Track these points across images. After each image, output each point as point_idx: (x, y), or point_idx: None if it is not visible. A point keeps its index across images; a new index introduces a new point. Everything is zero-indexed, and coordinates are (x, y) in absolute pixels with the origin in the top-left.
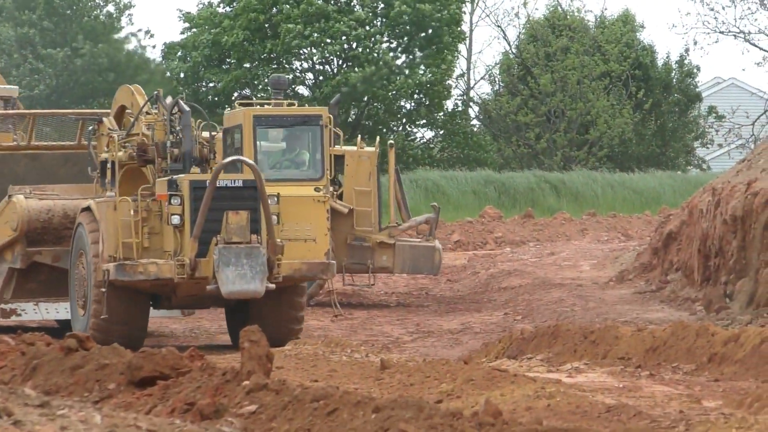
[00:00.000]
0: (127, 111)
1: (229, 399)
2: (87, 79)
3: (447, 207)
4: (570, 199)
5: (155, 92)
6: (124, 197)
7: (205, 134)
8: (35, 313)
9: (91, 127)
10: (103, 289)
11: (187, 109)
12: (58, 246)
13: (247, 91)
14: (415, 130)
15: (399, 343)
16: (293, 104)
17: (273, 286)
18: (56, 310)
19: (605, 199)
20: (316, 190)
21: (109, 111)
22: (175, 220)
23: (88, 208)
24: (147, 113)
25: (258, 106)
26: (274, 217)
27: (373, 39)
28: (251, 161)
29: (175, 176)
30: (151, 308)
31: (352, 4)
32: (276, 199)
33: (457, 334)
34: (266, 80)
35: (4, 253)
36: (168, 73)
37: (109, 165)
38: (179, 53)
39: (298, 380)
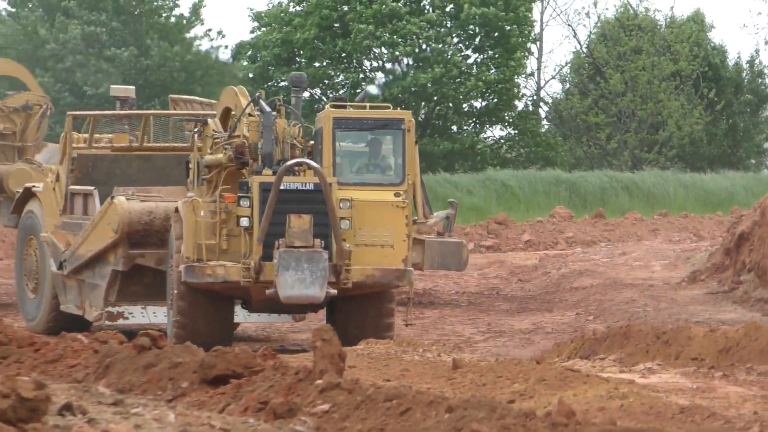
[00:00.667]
0: (231, 113)
1: (302, 398)
2: (156, 78)
3: (518, 207)
4: (641, 199)
5: (257, 94)
6: (199, 198)
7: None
8: (142, 316)
9: (196, 129)
10: (175, 290)
11: (268, 109)
12: (161, 249)
13: (344, 97)
14: (485, 129)
15: (471, 343)
16: (388, 107)
17: (334, 292)
18: (164, 314)
19: (677, 199)
20: (396, 195)
21: (214, 113)
22: (244, 222)
23: (176, 210)
24: (250, 115)
25: (344, 108)
26: (346, 222)
27: (443, 41)
28: (315, 164)
29: (246, 178)
30: (255, 313)
31: (422, 4)
32: (348, 203)
33: (529, 333)
34: (337, 80)
35: (107, 255)
36: (239, 74)
37: (191, 165)
38: (249, 53)
39: (371, 379)
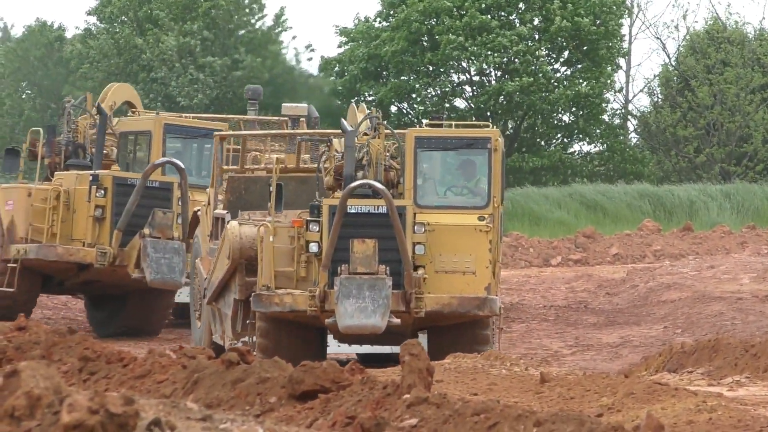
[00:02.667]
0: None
1: (389, 412)
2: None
3: (605, 220)
4: (729, 212)
5: (368, 112)
6: (271, 224)
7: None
8: None
9: (323, 149)
10: (248, 321)
11: (350, 128)
12: None
13: (441, 115)
14: (572, 144)
15: (558, 357)
16: (487, 125)
17: (398, 321)
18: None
19: (765, 212)
20: (480, 218)
21: (339, 131)
22: (314, 247)
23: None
24: (365, 134)
25: (440, 127)
26: (420, 247)
27: (532, 54)
28: (380, 186)
29: (317, 201)
30: (343, 342)
31: (512, 18)
32: (424, 227)
33: (617, 347)
34: (423, 93)
35: (230, 284)
36: (325, 88)
37: (272, 188)
38: (336, 68)
39: (458, 394)
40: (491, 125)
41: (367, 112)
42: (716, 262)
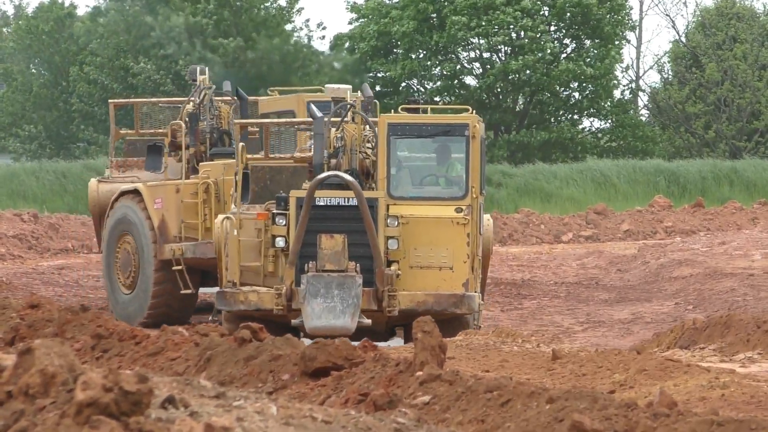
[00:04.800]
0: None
1: (402, 390)
2: (256, 71)
3: (616, 197)
4: (741, 188)
5: (343, 101)
6: (237, 215)
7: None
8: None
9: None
10: (214, 318)
11: (319, 115)
12: None
13: (418, 100)
14: (582, 119)
15: (569, 333)
16: (466, 109)
17: (368, 322)
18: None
19: None
20: (457, 210)
21: (310, 120)
22: (280, 242)
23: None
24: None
25: (417, 112)
26: (394, 242)
27: (539, 29)
28: (349, 177)
29: (283, 193)
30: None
31: None
32: (397, 220)
33: (628, 324)
34: (434, 71)
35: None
36: (336, 64)
37: (237, 177)
38: (347, 44)
39: (470, 370)
40: (471, 110)
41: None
42: (728, 238)
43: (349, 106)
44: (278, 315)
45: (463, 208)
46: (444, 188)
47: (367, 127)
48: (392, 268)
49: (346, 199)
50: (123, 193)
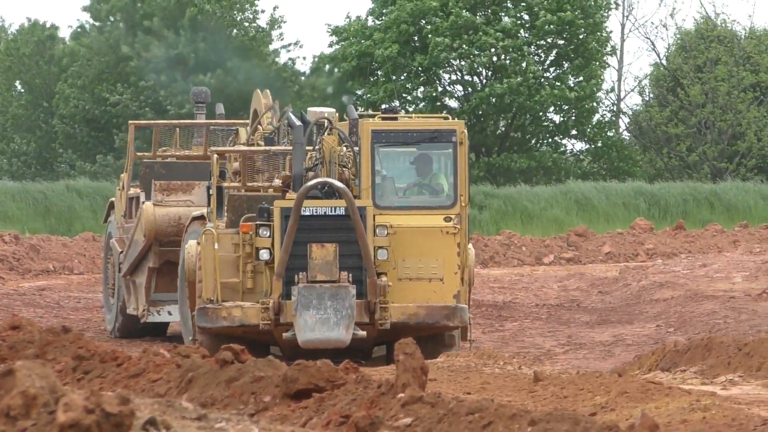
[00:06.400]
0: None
1: (384, 411)
2: (237, 95)
3: (598, 219)
4: (722, 211)
5: (285, 108)
6: (215, 230)
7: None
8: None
9: (229, 140)
10: (191, 338)
11: (298, 123)
12: None
13: (396, 103)
14: (564, 141)
15: (551, 355)
16: (446, 118)
17: (363, 334)
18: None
19: (758, 211)
20: (446, 219)
21: (247, 122)
22: (264, 254)
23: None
24: (269, 124)
25: (395, 120)
26: (384, 252)
27: (519, 51)
28: (340, 184)
29: (266, 204)
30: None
31: (500, 14)
32: (386, 230)
33: (609, 346)
34: (415, 94)
35: (147, 255)
36: (317, 85)
37: (212, 191)
38: (327, 67)
39: (452, 393)
40: (453, 117)
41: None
42: (709, 260)
43: (326, 121)
44: (263, 331)
45: (452, 217)
46: (431, 197)
47: (344, 145)
48: (383, 279)
49: (333, 209)
50: (194, 219)
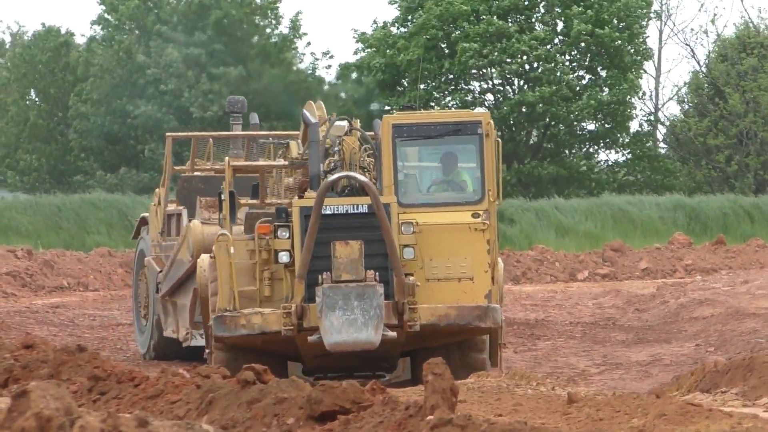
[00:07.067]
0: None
1: None
2: (259, 101)
3: (634, 233)
4: (764, 225)
5: (333, 116)
6: (229, 235)
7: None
8: None
9: (280, 151)
10: (208, 350)
11: (313, 121)
12: None
13: (414, 105)
14: (598, 152)
15: (585, 376)
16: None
17: (393, 335)
18: None
19: None
20: (474, 215)
21: (298, 133)
22: (284, 257)
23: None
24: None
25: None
26: (410, 251)
27: (553, 59)
28: (364, 178)
29: (284, 204)
30: (312, 375)
31: (532, 20)
32: (412, 227)
33: (647, 366)
34: (444, 102)
35: (192, 276)
36: (342, 94)
37: (224, 197)
38: (353, 75)
39: (483, 415)
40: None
41: (324, 110)
42: (750, 276)
43: (347, 122)
44: (284, 338)
45: (480, 213)
46: (457, 193)
47: (366, 147)
48: (410, 279)
49: (356, 206)
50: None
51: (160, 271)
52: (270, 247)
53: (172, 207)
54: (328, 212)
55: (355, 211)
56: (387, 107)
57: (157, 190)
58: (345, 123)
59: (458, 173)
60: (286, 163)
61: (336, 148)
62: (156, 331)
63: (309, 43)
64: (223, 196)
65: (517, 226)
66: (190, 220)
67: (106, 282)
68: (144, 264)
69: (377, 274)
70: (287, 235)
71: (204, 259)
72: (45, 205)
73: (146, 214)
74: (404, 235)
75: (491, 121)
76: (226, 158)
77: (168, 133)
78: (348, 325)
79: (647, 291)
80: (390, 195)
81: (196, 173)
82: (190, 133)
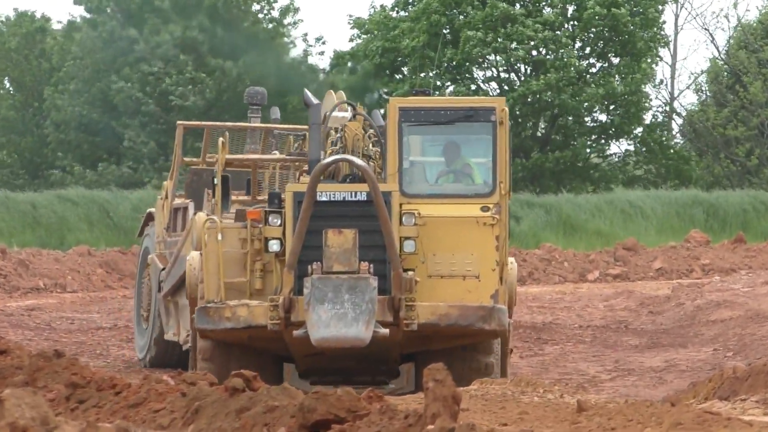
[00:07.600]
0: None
1: None
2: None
3: (648, 230)
4: None
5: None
6: (219, 221)
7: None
8: None
9: (296, 145)
10: (188, 345)
11: (315, 102)
12: None
13: (427, 90)
14: (609, 144)
15: (596, 382)
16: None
17: (386, 332)
18: None
19: None
20: (483, 209)
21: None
22: (274, 246)
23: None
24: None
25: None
26: (411, 243)
27: (561, 44)
28: (361, 162)
29: (276, 190)
30: (306, 377)
31: (541, 4)
32: (413, 218)
33: (661, 372)
34: (445, 91)
35: None
36: (339, 85)
37: (216, 182)
38: (348, 63)
39: (487, 424)
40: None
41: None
42: None
43: (349, 106)
44: (271, 333)
45: (490, 206)
46: (466, 185)
47: (370, 134)
48: (410, 274)
49: (353, 194)
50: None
51: (163, 269)
52: (262, 236)
53: (178, 201)
54: (324, 199)
55: (353, 198)
56: (385, 91)
57: (165, 183)
58: (349, 109)
59: (462, 159)
60: (281, 156)
61: (339, 134)
62: (157, 333)
63: (306, 34)
64: (216, 181)
65: (524, 223)
66: (196, 213)
67: (85, 283)
68: (147, 262)
69: (372, 266)
70: (279, 222)
71: (194, 256)
72: (19, 201)
73: (152, 210)
74: (405, 227)
75: (506, 108)
76: (220, 139)
77: (179, 122)
78: (337, 319)
79: (662, 292)
80: (393, 183)
81: (207, 166)
82: (202, 123)
